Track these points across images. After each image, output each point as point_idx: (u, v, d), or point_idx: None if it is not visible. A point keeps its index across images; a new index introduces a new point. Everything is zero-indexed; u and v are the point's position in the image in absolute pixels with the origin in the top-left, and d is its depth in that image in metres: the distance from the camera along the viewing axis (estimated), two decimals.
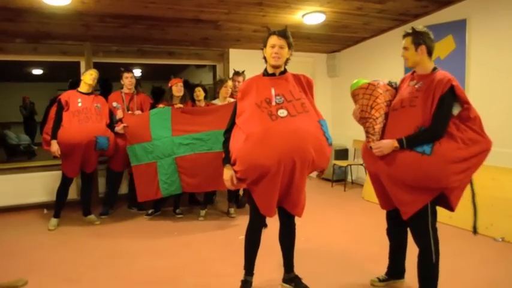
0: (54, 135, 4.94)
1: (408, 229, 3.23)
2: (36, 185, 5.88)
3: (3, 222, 5.37)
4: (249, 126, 2.98)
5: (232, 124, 3.17)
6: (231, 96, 5.63)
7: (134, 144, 5.19)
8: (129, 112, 5.54)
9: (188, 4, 4.96)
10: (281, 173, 2.95)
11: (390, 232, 3.41)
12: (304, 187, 3.18)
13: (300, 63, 7.52)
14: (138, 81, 5.76)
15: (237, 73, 5.86)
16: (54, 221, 5.13)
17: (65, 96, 5.05)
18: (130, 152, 5.20)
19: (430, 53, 3.02)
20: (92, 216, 5.36)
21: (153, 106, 5.71)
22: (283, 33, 3.08)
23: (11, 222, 5.38)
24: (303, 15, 5.64)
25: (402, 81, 3.26)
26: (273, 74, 3.16)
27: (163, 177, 5.13)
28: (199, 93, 5.69)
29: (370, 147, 3.00)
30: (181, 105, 5.42)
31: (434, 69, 3.02)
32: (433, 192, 2.90)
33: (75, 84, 5.28)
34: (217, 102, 5.59)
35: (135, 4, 4.85)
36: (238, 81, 5.74)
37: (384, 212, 3.39)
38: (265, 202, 3.08)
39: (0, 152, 9.88)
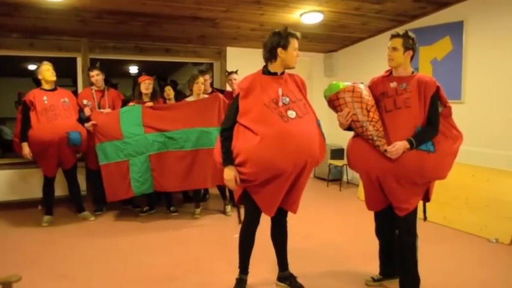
0: (23, 138, 4.87)
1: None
2: (31, 181, 5.85)
3: None
4: (261, 127, 2.92)
5: (232, 122, 3.06)
6: (205, 92, 5.59)
7: (104, 142, 5.10)
8: (100, 110, 5.45)
9: (186, 1, 4.94)
10: (294, 175, 2.98)
11: (380, 232, 3.43)
12: (305, 186, 3.20)
13: (298, 62, 7.51)
14: (135, 78, 5.72)
15: (230, 73, 5.86)
16: (46, 218, 5.12)
17: (30, 96, 4.94)
18: (99, 150, 5.10)
19: (412, 58, 3.15)
20: (87, 213, 5.34)
21: (124, 103, 5.66)
22: (299, 37, 3.11)
23: (5, 218, 5.35)
24: (301, 15, 5.63)
25: (375, 83, 3.27)
26: (275, 74, 3.13)
27: (135, 176, 5.06)
28: (169, 92, 5.70)
29: (385, 150, 2.98)
30: (151, 103, 5.38)
31: (413, 72, 3.15)
32: (426, 186, 3.10)
33: (37, 80, 5.12)
34: (190, 99, 5.48)
35: (132, 0, 4.83)
36: (234, 79, 5.75)
37: None
38: (271, 202, 3.08)
39: None
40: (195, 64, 9.45)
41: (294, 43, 3.06)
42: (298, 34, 3.10)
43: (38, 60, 5.18)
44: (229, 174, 3.02)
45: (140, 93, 5.47)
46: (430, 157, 2.96)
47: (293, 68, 3.15)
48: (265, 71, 3.15)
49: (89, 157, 5.45)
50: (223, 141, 3.09)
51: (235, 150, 3.00)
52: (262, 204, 3.10)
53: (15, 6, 4.77)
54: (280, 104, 3.00)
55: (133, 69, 10.84)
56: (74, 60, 6.28)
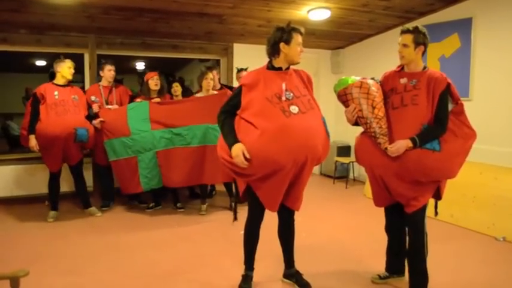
0: (31, 130, 4.88)
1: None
2: (38, 176, 5.87)
3: (5, 213, 5.38)
4: (263, 121, 2.91)
5: (229, 108, 3.08)
6: (214, 88, 5.57)
7: (112, 138, 5.13)
8: (107, 106, 5.46)
9: None
10: (293, 171, 2.96)
11: (390, 228, 3.41)
12: (307, 183, 3.18)
13: (304, 59, 7.37)
14: (142, 75, 5.72)
15: (240, 70, 5.87)
16: (52, 213, 5.14)
17: (41, 89, 4.96)
18: (108, 146, 5.14)
19: (424, 53, 3.10)
20: (93, 209, 5.36)
21: (132, 99, 5.68)
22: (303, 32, 3.08)
23: (12, 213, 5.38)
24: (308, 11, 5.61)
25: (386, 78, 3.23)
26: (279, 69, 3.12)
27: (144, 172, 5.10)
28: (177, 88, 5.74)
29: (386, 148, 2.96)
30: (158, 99, 5.40)
31: (424, 67, 3.10)
32: (435, 185, 3.05)
33: (53, 74, 5.15)
34: (200, 95, 5.49)
35: None
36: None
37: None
38: (272, 198, 3.07)
39: (2, 143, 9.91)
40: (201, 60, 9.45)
41: (297, 38, 3.04)
42: (302, 29, 3.08)
43: (46, 56, 5.19)
44: (236, 150, 2.89)
45: (148, 90, 5.48)
46: (434, 156, 2.90)
47: (297, 63, 3.13)
48: (270, 66, 3.14)
49: (97, 153, 5.47)
50: (222, 122, 3.08)
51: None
52: (265, 200, 3.09)
53: (23, 2, 4.79)
54: (283, 98, 2.98)
55: (140, 66, 10.85)
56: (81, 56, 6.29)
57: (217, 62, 7.44)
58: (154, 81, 5.47)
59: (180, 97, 5.71)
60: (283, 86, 3.02)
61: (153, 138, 5.10)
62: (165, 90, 5.64)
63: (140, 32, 6.20)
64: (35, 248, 4.20)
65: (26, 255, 4.01)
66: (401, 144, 2.91)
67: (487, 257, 4.10)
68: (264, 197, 3.08)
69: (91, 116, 5.21)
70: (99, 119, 5.19)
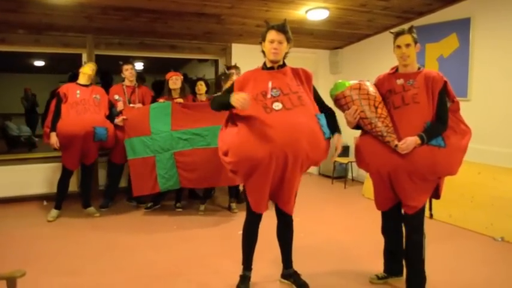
0: (53, 128, 4.96)
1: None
2: (37, 176, 5.87)
3: (3, 213, 5.36)
4: (243, 118, 2.98)
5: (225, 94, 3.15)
6: None
7: (132, 137, 5.17)
8: (130, 105, 5.54)
9: None
10: (273, 167, 2.93)
11: (387, 230, 3.41)
12: (297, 183, 3.14)
13: (303, 59, 7.49)
14: (141, 75, 5.75)
15: (229, 68, 5.87)
16: (54, 212, 5.13)
17: (64, 88, 5.07)
18: (127, 145, 5.17)
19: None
20: (92, 209, 5.36)
21: (153, 99, 5.72)
22: (282, 28, 3.04)
23: (10, 213, 5.38)
24: (307, 11, 5.61)
25: (381, 80, 3.25)
26: (272, 68, 3.14)
27: (161, 172, 5.11)
28: (201, 87, 5.72)
29: (396, 146, 2.96)
30: (181, 100, 5.42)
31: (419, 68, 3.14)
32: (435, 183, 3.07)
33: (75, 77, 5.28)
34: None
35: None
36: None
37: None
38: (256, 197, 3.08)
39: (1, 143, 9.90)
40: (200, 61, 9.45)
41: (269, 35, 3.06)
42: (277, 25, 3.05)
43: (44, 57, 5.23)
44: (235, 96, 2.89)
45: (169, 90, 5.53)
46: (440, 152, 2.95)
47: (272, 60, 3.09)
48: (264, 66, 3.19)
49: (115, 151, 5.51)
50: (213, 102, 3.30)
51: (222, 142, 3.09)
52: (251, 199, 3.11)
53: (21, 2, 4.78)
54: (269, 96, 3.00)
55: (138, 66, 10.87)
56: (79, 56, 6.28)
57: (216, 62, 7.44)
58: (173, 81, 5.52)
59: (203, 95, 5.74)
60: (270, 84, 3.04)
61: (171, 139, 5.12)
62: (186, 91, 5.68)
63: (138, 32, 6.20)
64: (33, 248, 4.19)
65: (23, 255, 4.01)
66: (411, 141, 2.93)
67: (485, 257, 4.10)
68: (250, 196, 3.10)
69: (114, 115, 5.27)
70: (121, 117, 5.24)
